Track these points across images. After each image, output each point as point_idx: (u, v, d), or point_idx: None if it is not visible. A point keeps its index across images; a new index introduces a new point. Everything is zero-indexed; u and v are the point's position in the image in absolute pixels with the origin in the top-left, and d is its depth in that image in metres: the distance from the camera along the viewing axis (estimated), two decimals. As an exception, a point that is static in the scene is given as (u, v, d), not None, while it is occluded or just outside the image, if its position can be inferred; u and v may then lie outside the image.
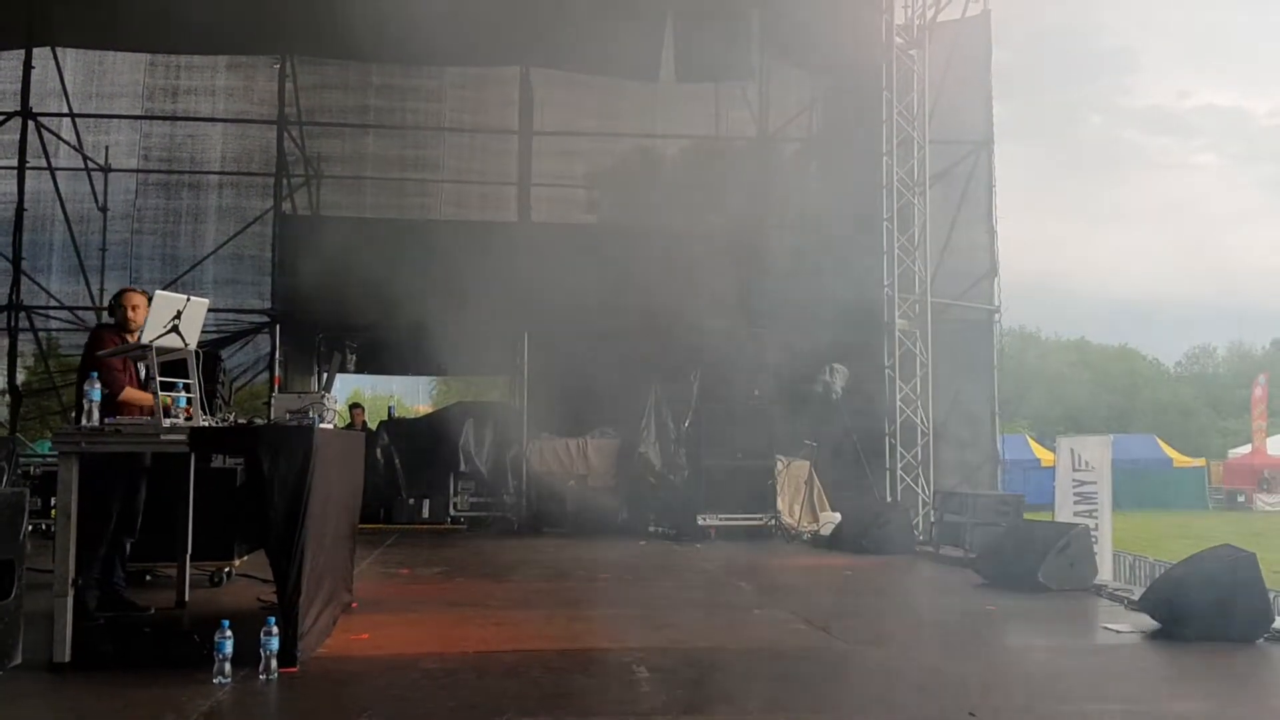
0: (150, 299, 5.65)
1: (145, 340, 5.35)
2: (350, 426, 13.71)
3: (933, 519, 11.46)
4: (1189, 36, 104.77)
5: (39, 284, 14.98)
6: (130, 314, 6.25)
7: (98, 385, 5.19)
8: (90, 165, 15.29)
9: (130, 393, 6.06)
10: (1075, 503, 9.47)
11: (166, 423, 5.22)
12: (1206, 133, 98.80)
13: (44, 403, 15.14)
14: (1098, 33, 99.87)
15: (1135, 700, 4.86)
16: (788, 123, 16.56)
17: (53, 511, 9.26)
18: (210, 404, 6.30)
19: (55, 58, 15.13)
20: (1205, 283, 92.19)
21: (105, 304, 13.84)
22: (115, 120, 15.71)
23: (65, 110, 15.20)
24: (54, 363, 15.09)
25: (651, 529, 12.56)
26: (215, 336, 14.35)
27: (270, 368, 14.57)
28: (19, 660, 4.89)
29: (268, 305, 14.85)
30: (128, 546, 6.47)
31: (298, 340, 15.29)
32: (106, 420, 5.24)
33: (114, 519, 6.12)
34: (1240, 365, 58.38)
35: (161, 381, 5.33)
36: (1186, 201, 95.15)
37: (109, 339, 6.22)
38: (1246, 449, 34.46)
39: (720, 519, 11.98)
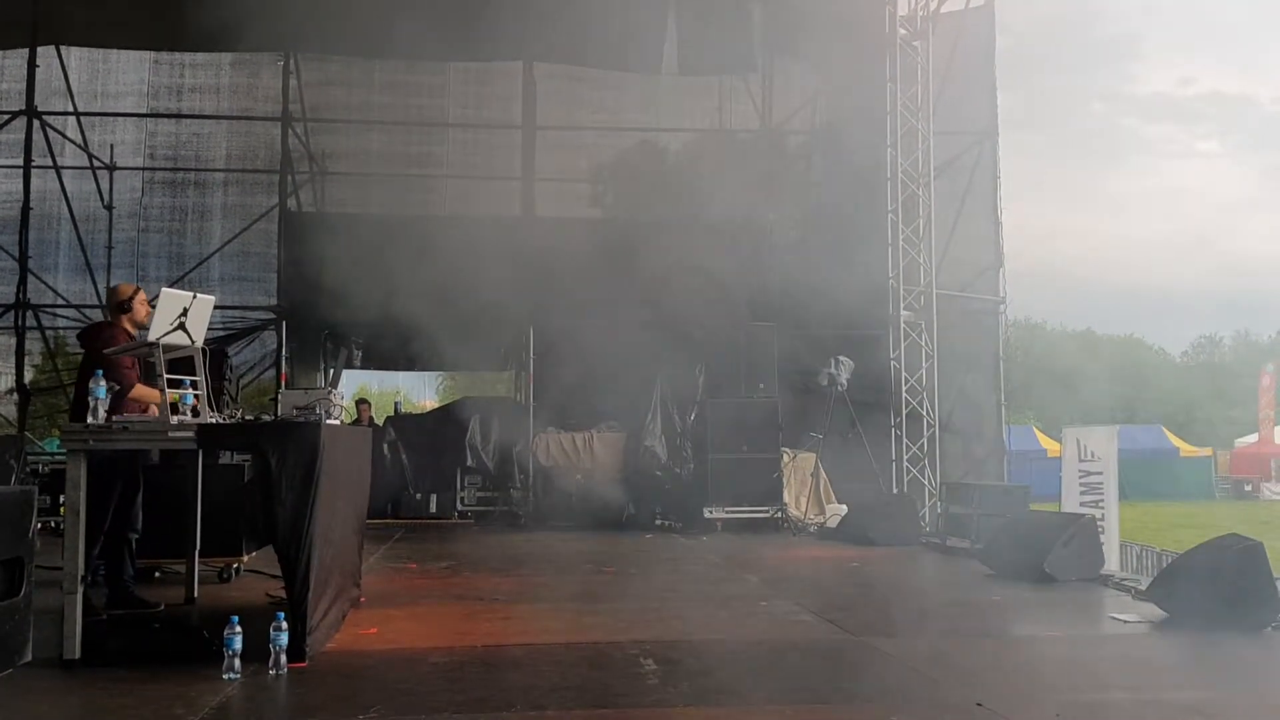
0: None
1: (152, 337, 5.35)
2: (357, 422, 13.76)
3: (939, 510, 11.46)
4: (1191, 23, 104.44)
5: (45, 283, 15.01)
6: (149, 311, 6.21)
7: (104, 383, 5.19)
8: (96, 164, 15.32)
9: (141, 390, 6.05)
10: (1081, 493, 9.44)
11: (174, 419, 5.24)
12: (1210, 120, 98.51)
13: (51, 401, 15.19)
14: (1099, 20, 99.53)
15: (1142, 689, 4.86)
16: (791, 115, 16.52)
17: (61, 509, 9.30)
18: (217, 401, 6.32)
19: (60, 56, 15.14)
20: (1211, 272, 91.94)
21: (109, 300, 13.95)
22: (120, 119, 15.73)
23: (70, 109, 15.22)
24: (61, 361, 15.12)
25: (658, 522, 12.58)
26: (222, 333, 14.41)
27: (277, 364, 14.59)
28: (29, 657, 4.93)
29: (274, 302, 14.88)
30: (134, 542, 6.48)
31: (304, 336, 15.30)
32: (114, 418, 5.26)
33: (110, 515, 6.13)
34: (1247, 354, 58.18)
35: (169, 379, 5.34)
36: (1191, 190, 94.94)
37: (120, 336, 6.23)
38: (1253, 438, 34.35)
39: (726, 511, 11.99)
